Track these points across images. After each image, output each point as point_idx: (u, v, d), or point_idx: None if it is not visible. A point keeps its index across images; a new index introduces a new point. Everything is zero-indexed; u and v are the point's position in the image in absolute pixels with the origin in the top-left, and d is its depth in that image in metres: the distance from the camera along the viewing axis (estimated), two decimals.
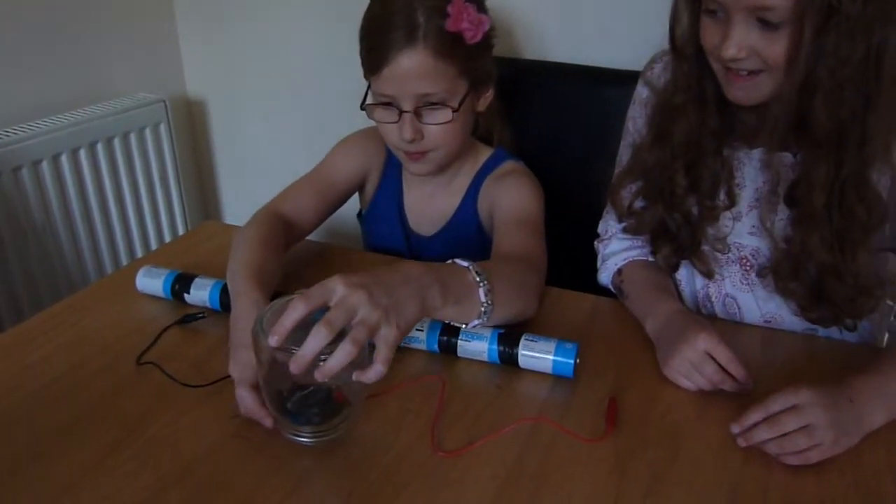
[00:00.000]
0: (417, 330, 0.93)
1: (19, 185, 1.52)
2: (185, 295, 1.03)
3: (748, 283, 1.03)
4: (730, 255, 1.03)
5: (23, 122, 1.56)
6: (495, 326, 0.91)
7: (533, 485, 0.73)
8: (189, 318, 1.01)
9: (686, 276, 1.10)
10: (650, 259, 1.09)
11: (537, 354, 0.88)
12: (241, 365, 0.81)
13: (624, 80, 1.19)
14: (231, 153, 2.02)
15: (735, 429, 0.78)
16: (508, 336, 0.90)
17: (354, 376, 0.72)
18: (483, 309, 0.86)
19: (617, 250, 1.11)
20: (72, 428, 0.81)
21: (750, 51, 0.84)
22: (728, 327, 1.02)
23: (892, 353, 0.85)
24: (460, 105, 1.07)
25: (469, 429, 0.81)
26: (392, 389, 0.86)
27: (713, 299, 1.07)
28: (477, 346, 0.91)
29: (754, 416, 0.77)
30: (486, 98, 1.16)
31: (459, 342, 0.91)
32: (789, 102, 0.85)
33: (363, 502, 0.71)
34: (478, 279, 0.86)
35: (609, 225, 1.14)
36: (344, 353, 0.68)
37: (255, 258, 0.97)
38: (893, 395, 0.80)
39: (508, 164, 1.22)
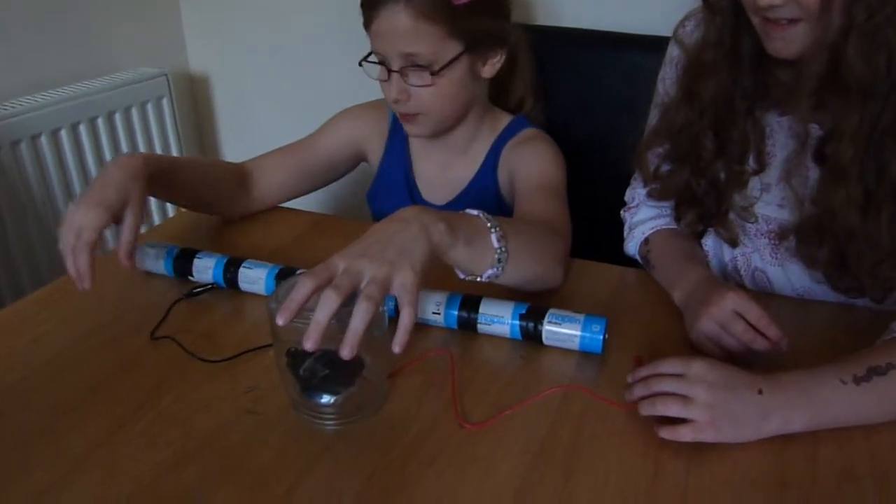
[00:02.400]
0: (434, 313, 0.89)
1: (18, 159, 1.47)
2: (189, 276, 1.00)
3: (777, 258, 0.99)
4: (758, 226, 0.99)
5: (22, 95, 1.51)
6: (518, 300, 0.87)
7: (567, 458, 0.70)
8: (198, 290, 0.97)
9: (713, 247, 1.06)
10: (678, 228, 1.04)
11: (564, 330, 0.84)
12: (77, 223, 0.84)
13: (651, 46, 1.14)
14: (234, 128, 1.98)
15: (629, 378, 0.76)
16: (532, 312, 0.86)
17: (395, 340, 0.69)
18: (497, 256, 0.79)
19: (644, 219, 1.06)
20: (79, 403, 0.78)
21: None
22: (759, 297, 0.98)
23: (839, 361, 0.75)
24: (442, 69, 1.03)
25: (494, 402, 0.77)
26: (410, 364, 0.82)
27: (742, 272, 1.03)
28: (499, 321, 0.87)
29: (644, 371, 0.74)
30: (494, 64, 1.11)
31: (480, 316, 0.87)
32: (824, 51, 0.80)
33: (386, 480, 0.67)
34: (489, 225, 0.80)
35: (636, 193, 1.09)
36: (361, 312, 0.65)
37: (167, 155, 0.99)
38: (823, 403, 0.72)
39: (529, 131, 1.18)
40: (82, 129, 1.58)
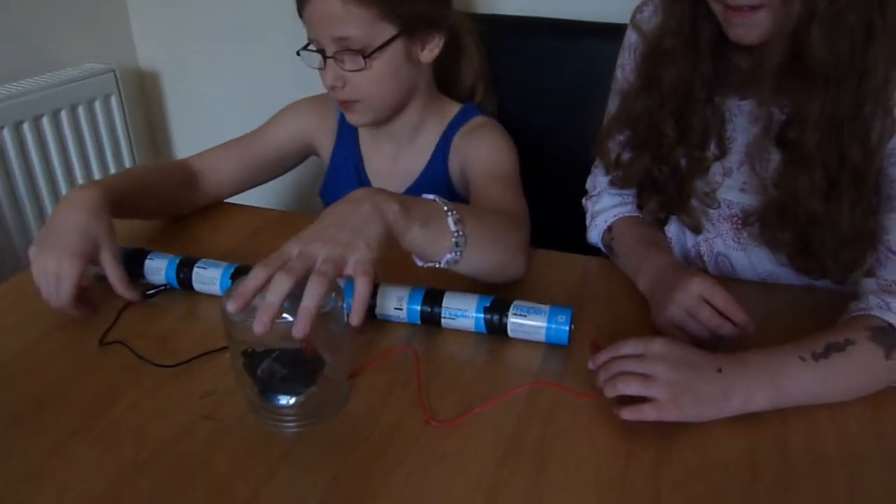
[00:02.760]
0: (396, 309, 0.86)
1: None
2: (141, 278, 0.96)
3: (740, 242, 0.99)
4: (720, 211, 0.99)
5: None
6: (482, 293, 0.85)
7: (537, 453, 0.68)
8: (150, 293, 0.94)
9: (676, 233, 1.05)
10: (641, 215, 1.04)
11: (529, 322, 0.83)
12: (54, 272, 0.84)
13: (607, 33, 1.14)
14: (186, 124, 1.93)
15: (591, 365, 0.75)
16: (496, 304, 0.84)
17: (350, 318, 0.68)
18: (455, 240, 0.78)
19: (606, 206, 1.06)
20: (27, 414, 0.74)
21: None
22: (723, 282, 0.97)
23: (799, 340, 0.76)
24: (374, 52, 1.01)
25: (461, 399, 0.75)
26: (372, 363, 0.80)
27: (705, 258, 1.02)
28: (462, 315, 0.85)
29: (604, 355, 0.74)
30: (433, 49, 1.09)
31: (443, 311, 0.85)
32: (786, 36, 0.80)
33: (351, 483, 0.65)
34: (445, 208, 0.78)
35: (598, 181, 1.08)
36: (313, 288, 0.63)
37: (116, 174, 1.00)
38: (784, 379, 0.72)
39: (479, 119, 1.16)
40: (26, 127, 1.52)
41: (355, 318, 0.67)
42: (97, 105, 1.67)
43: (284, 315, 0.66)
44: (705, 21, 0.88)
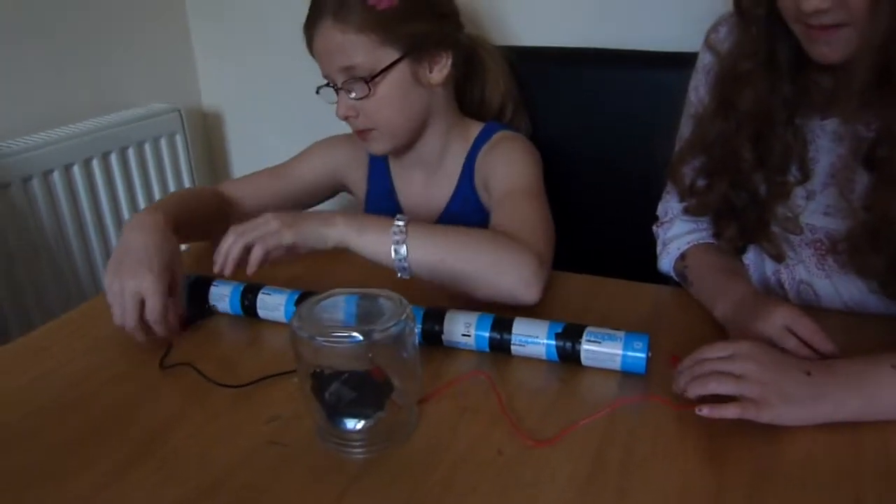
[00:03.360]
0: (464, 335, 0.83)
1: (29, 195, 1.44)
2: (206, 305, 0.95)
3: (824, 269, 0.93)
4: (803, 237, 0.94)
5: (35, 132, 1.49)
6: (554, 329, 0.81)
7: (620, 482, 0.64)
8: (196, 315, 0.94)
9: (754, 260, 1.01)
10: (716, 242, 0.99)
11: (604, 349, 0.79)
12: (132, 291, 0.85)
13: (659, 62, 1.15)
14: (247, 164, 1.94)
15: (678, 386, 0.72)
16: (569, 330, 0.81)
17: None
18: (395, 235, 0.87)
19: (679, 234, 1.01)
20: (87, 441, 0.72)
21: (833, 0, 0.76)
22: (806, 311, 0.92)
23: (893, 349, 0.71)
24: (376, 76, 1.01)
25: (536, 428, 0.71)
26: (441, 390, 0.77)
27: (786, 286, 0.97)
28: (533, 341, 0.81)
29: (689, 359, 0.71)
30: (441, 68, 1.07)
31: (513, 337, 0.82)
32: (872, 54, 0.76)
33: None
34: (395, 219, 0.88)
35: (669, 206, 1.04)
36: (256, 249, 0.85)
37: (167, 199, 1.05)
38: (875, 387, 0.68)
39: (500, 134, 1.14)
40: (95, 164, 1.55)
41: (248, 269, 0.85)
42: (163, 143, 1.70)
43: (353, 333, 0.64)
44: (783, 40, 0.85)
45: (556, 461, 0.66)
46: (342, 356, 0.64)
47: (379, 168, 1.20)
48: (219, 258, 0.87)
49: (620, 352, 0.78)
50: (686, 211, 1.00)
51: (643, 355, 0.78)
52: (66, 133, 1.51)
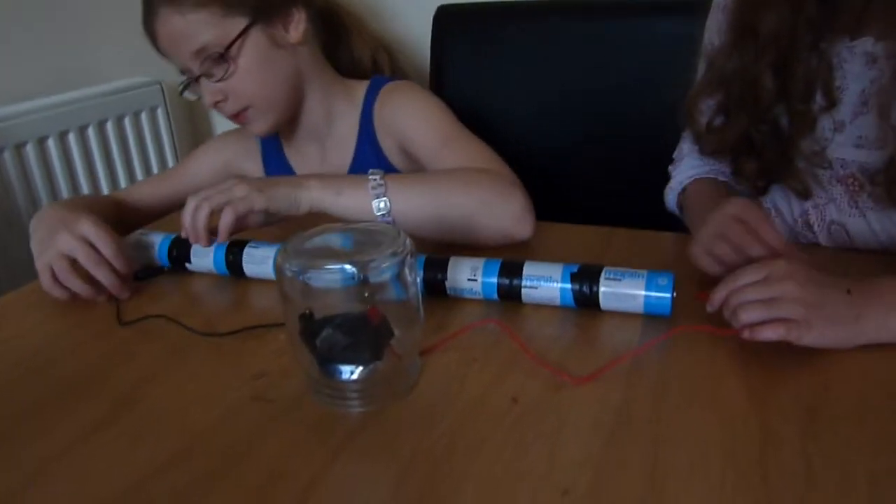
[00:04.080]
0: (470, 280, 0.76)
1: (1, 168, 1.36)
2: (186, 263, 0.88)
3: (857, 206, 0.86)
4: (832, 172, 0.86)
5: (6, 103, 1.41)
6: (569, 270, 0.73)
7: (652, 432, 0.56)
8: (143, 273, 0.87)
9: (778, 203, 0.93)
10: (721, 179, 0.94)
11: (624, 290, 0.71)
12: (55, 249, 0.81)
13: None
14: None
15: (709, 308, 0.67)
16: (585, 271, 0.73)
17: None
18: (374, 190, 0.84)
19: (685, 170, 0.97)
20: (49, 405, 0.65)
21: None
22: (836, 255, 0.85)
23: None
24: (231, 47, 0.95)
25: (551, 378, 0.63)
26: (445, 341, 0.69)
27: (815, 228, 0.90)
28: (546, 282, 0.73)
29: (720, 292, 0.66)
30: (297, 24, 1.01)
31: (523, 283, 0.74)
32: None
33: (430, 464, 0.54)
34: (370, 174, 0.86)
35: (682, 147, 0.99)
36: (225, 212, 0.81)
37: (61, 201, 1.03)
38: None
39: (390, 85, 1.08)
40: (71, 137, 1.47)
41: (219, 237, 0.81)
42: (143, 117, 1.62)
43: (346, 266, 0.56)
44: None
45: (579, 409, 0.59)
46: (335, 295, 0.56)
47: (272, 151, 1.14)
48: (186, 227, 0.81)
49: (643, 291, 0.71)
50: (703, 152, 0.94)
51: (668, 294, 0.70)
52: (42, 105, 1.43)
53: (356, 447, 0.56)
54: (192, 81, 0.99)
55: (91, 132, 1.51)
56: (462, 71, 1.37)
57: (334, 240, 0.62)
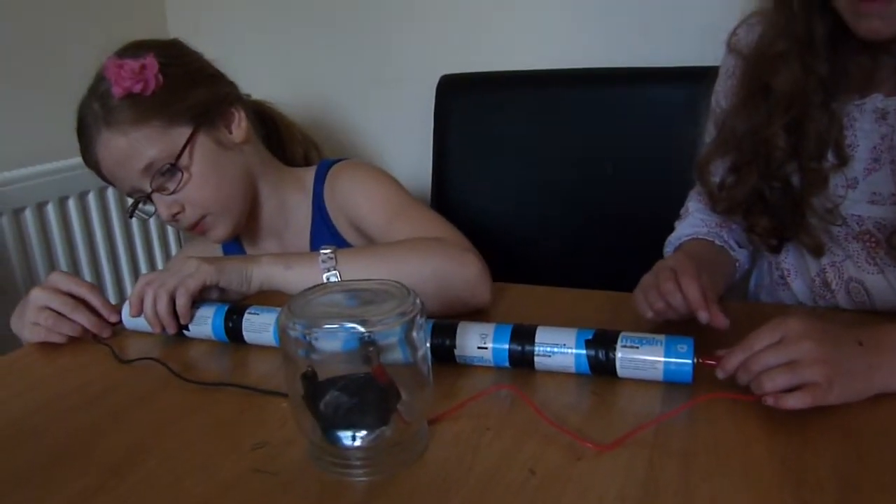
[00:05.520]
0: (480, 348, 0.73)
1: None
2: (185, 331, 0.85)
3: (876, 263, 0.84)
4: (849, 229, 0.85)
5: (8, 168, 1.39)
6: (584, 337, 0.70)
7: (682, 501, 0.52)
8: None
9: (795, 263, 0.92)
10: (718, 242, 0.94)
11: (642, 356, 0.68)
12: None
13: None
14: None
15: (720, 374, 0.64)
16: (600, 337, 0.70)
17: None
18: (324, 264, 0.85)
19: (687, 227, 0.96)
20: (39, 473, 0.61)
21: None
22: (856, 318, 0.83)
23: None
24: (181, 155, 0.95)
25: (571, 447, 0.59)
26: (454, 410, 0.65)
27: (833, 286, 0.88)
28: (560, 351, 0.70)
29: (735, 358, 0.63)
30: (239, 123, 1.01)
31: (536, 350, 0.71)
32: None
33: None
34: (321, 248, 0.86)
35: (688, 206, 0.99)
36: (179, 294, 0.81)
37: None
38: None
39: (336, 166, 1.07)
40: (71, 203, 1.47)
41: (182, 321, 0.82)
42: None
43: (351, 324, 0.53)
44: (819, 18, 0.79)
45: (601, 480, 0.55)
46: (340, 356, 0.53)
47: (234, 254, 1.12)
48: (149, 319, 0.82)
49: (662, 358, 0.67)
50: (715, 210, 0.93)
51: (689, 361, 0.67)
52: (42, 171, 1.42)
53: None
54: (144, 200, 0.98)
55: (91, 199, 1.49)
56: (463, 137, 1.38)
57: (340, 298, 0.59)
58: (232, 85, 1.05)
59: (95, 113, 0.93)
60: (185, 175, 0.95)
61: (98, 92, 0.94)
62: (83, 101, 0.95)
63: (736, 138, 0.87)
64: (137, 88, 0.92)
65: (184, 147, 0.95)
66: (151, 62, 0.93)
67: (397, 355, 0.56)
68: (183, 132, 0.95)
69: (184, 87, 0.97)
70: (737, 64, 0.90)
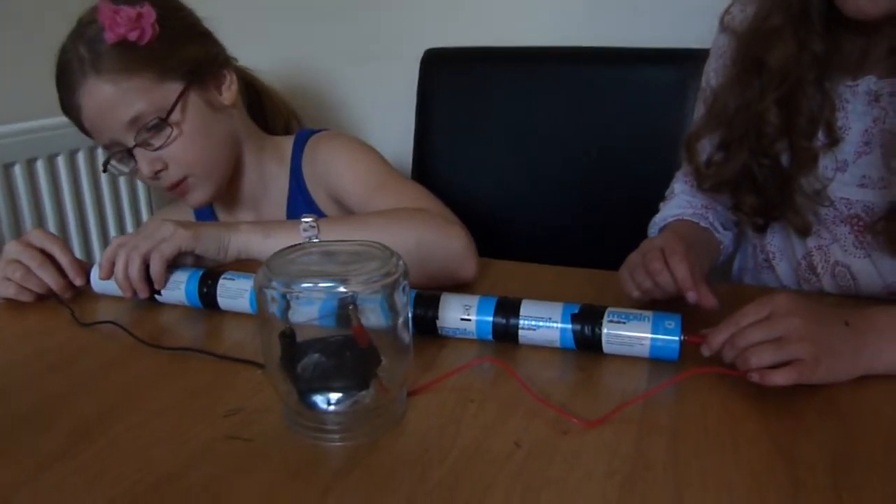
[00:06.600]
0: (463, 320, 0.71)
1: None
2: (157, 295, 0.82)
3: (863, 247, 0.84)
4: (837, 212, 0.84)
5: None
6: (569, 311, 0.69)
7: (669, 480, 0.51)
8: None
9: (780, 245, 0.91)
10: (703, 224, 0.93)
11: (629, 332, 0.66)
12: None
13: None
14: None
15: (706, 351, 0.63)
16: (587, 312, 0.68)
17: None
18: (305, 232, 0.82)
19: (672, 208, 0.95)
20: (3, 437, 0.58)
21: None
22: (841, 302, 0.82)
23: None
24: (172, 112, 0.91)
25: (556, 422, 0.58)
26: (436, 382, 0.63)
27: (819, 270, 0.87)
28: (546, 325, 0.69)
29: (721, 334, 0.62)
30: (228, 85, 0.99)
31: (521, 323, 0.69)
32: None
33: None
34: (303, 216, 0.83)
35: (674, 186, 0.98)
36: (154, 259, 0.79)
37: None
38: None
39: (315, 137, 1.05)
40: (60, 161, 1.43)
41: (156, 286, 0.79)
42: None
43: (331, 282, 0.51)
44: None
45: (588, 454, 0.53)
46: (318, 318, 0.51)
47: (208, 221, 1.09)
48: (119, 282, 0.79)
49: (650, 335, 0.66)
50: (702, 188, 0.92)
51: (676, 338, 0.65)
52: (32, 127, 1.38)
53: (345, 488, 0.50)
54: (122, 154, 0.93)
55: (60, 161, 1.45)
56: (447, 112, 1.36)
57: (320, 258, 0.57)
58: (221, 46, 1.02)
59: (82, 57, 0.88)
60: (175, 132, 0.92)
61: (86, 36, 0.89)
62: (66, 46, 0.90)
63: (727, 114, 0.86)
64: (133, 36, 0.88)
65: (175, 103, 0.91)
66: (149, 11, 0.89)
67: (379, 319, 0.54)
68: (174, 88, 0.92)
69: (179, 41, 0.93)
70: (729, 42, 0.89)
